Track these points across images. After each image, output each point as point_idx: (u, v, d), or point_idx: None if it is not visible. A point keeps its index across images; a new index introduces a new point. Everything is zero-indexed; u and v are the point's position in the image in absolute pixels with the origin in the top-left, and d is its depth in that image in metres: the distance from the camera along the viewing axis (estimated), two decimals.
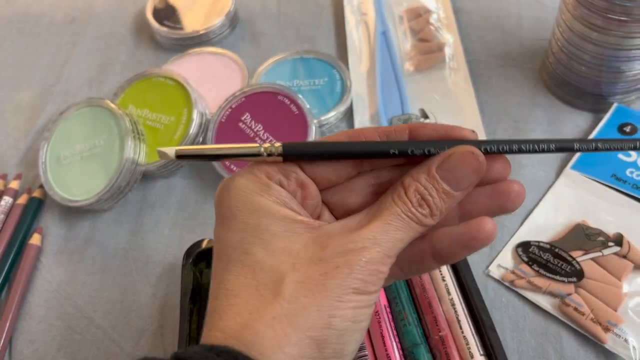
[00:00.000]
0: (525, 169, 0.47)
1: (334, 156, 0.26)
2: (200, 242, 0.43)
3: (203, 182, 0.50)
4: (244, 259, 0.23)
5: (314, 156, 0.26)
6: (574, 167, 0.46)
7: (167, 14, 0.59)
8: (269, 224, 0.24)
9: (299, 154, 0.26)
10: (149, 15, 0.59)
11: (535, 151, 0.26)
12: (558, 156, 0.47)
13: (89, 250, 0.47)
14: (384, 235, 0.23)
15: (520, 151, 0.26)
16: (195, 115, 0.48)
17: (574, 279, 0.40)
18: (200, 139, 0.49)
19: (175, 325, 0.41)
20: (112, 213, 0.48)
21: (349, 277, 0.22)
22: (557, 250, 0.42)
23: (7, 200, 0.49)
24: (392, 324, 0.38)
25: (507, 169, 0.26)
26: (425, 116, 0.50)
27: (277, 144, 0.26)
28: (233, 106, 0.49)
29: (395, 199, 0.24)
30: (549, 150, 0.26)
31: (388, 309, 0.39)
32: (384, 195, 0.25)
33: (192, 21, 0.58)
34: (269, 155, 0.26)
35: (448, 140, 0.26)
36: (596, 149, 0.25)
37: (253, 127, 0.48)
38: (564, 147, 0.26)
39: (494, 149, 0.26)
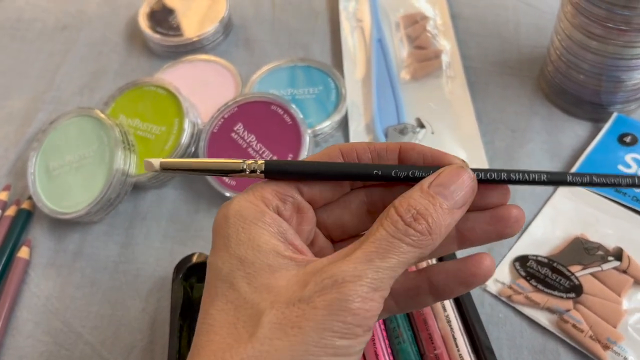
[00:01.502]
0: None
1: (315, 176, 0.26)
2: (190, 256, 0.43)
3: (195, 193, 0.49)
4: (229, 294, 0.22)
5: (295, 175, 0.26)
6: None
7: (160, 21, 0.58)
8: (257, 257, 0.22)
9: (280, 172, 0.25)
10: (142, 22, 0.58)
11: (526, 182, 0.25)
12: (556, 166, 0.47)
13: (79, 263, 0.46)
14: (367, 265, 0.21)
15: (509, 181, 0.25)
16: (187, 125, 0.47)
17: (573, 295, 0.39)
18: (192, 150, 0.48)
19: (165, 341, 0.40)
20: (102, 225, 0.48)
21: (327, 319, 0.20)
22: (555, 264, 0.41)
23: None
24: (386, 341, 0.37)
25: (506, 195, 0.25)
26: (422, 125, 0.49)
27: (260, 161, 0.25)
28: (225, 116, 0.48)
29: (383, 220, 0.22)
30: (540, 182, 0.25)
31: (382, 326, 0.38)
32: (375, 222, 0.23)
33: (186, 28, 0.57)
34: (252, 172, 0.26)
35: (435, 167, 0.25)
36: (590, 183, 0.24)
37: (246, 137, 0.47)
38: (557, 180, 0.25)
39: (482, 177, 0.25)
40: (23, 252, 0.46)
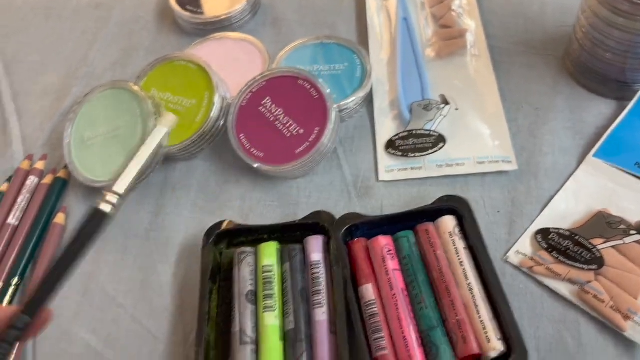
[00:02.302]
0: (546, 156, 0.46)
1: None
2: (220, 223, 0.44)
3: (224, 164, 0.50)
4: None
5: None
6: (596, 155, 0.45)
7: None
8: None
9: None
10: (172, 0, 0.60)
11: None
12: (579, 144, 0.47)
13: (111, 231, 0.47)
14: None
15: None
16: (217, 99, 0.49)
17: (594, 267, 0.40)
18: (221, 123, 0.50)
19: (194, 304, 0.42)
20: (134, 194, 0.49)
21: None
22: (577, 237, 0.41)
23: (33, 180, 0.50)
24: (409, 307, 0.39)
25: None
26: (446, 102, 0.50)
27: None
28: (254, 90, 0.49)
29: None
30: None
31: (405, 292, 0.39)
32: None
33: (214, 6, 0.59)
34: None
35: None
36: None
37: (273, 111, 0.48)
38: None
39: None
40: (59, 218, 0.48)
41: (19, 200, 0.49)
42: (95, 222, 0.32)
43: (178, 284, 0.44)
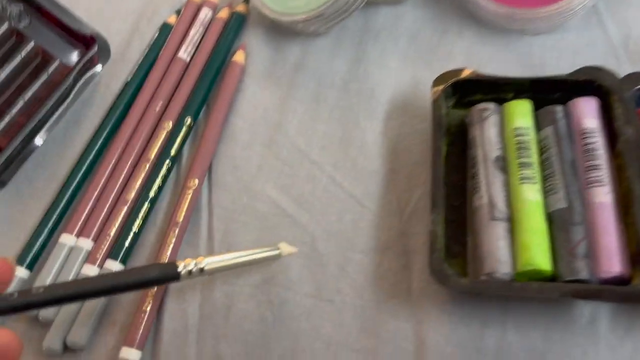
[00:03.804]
0: None
1: None
2: (457, 71, 0.34)
3: (441, 11, 0.39)
4: None
5: None
6: None
7: None
8: None
9: None
10: None
11: None
12: None
13: (300, 77, 0.38)
14: None
15: None
16: None
17: None
18: None
19: (409, 171, 0.33)
20: (326, 39, 0.40)
21: None
22: None
23: (207, 12, 0.41)
24: None
25: None
26: None
27: None
28: None
29: None
30: None
31: None
32: None
33: None
34: None
35: None
36: None
37: None
38: None
39: None
40: (238, 56, 0.39)
41: (191, 33, 0.40)
42: (162, 277, 0.27)
43: (388, 145, 0.35)
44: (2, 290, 0.23)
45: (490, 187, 0.30)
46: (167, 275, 0.27)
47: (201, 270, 0.28)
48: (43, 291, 0.23)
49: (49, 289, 0.24)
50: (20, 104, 0.37)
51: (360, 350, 0.29)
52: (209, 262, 0.29)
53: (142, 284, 0.27)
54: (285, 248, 0.31)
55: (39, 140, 0.36)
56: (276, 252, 0.31)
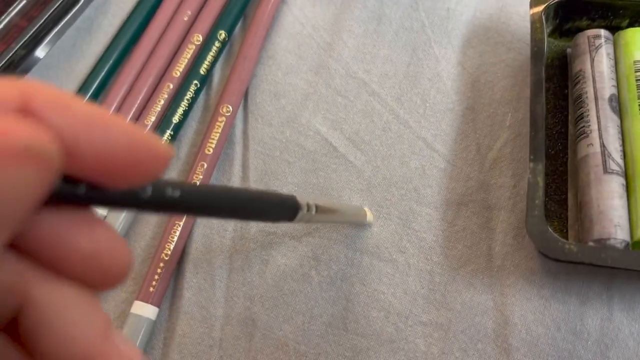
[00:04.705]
0: None
1: None
2: None
3: None
4: None
5: None
6: None
7: None
8: None
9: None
10: None
11: None
12: None
13: None
14: None
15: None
16: None
17: None
18: None
19: (491, 111, 0.27)
20: None
21: None
22: None
23: None
24: None
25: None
26: None
27: None
28: None
29: None
30: None
31: None
32: None
33: None
34: None
35: None
36: None
37: None
38: None
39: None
40: None
41: None
42: (283, 209, 0.18)
43: (467, 77, 0.29)
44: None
45: (603, 132, 0.24)
46: (290, 208, 0.19)
47: (316, 209, 0.20)
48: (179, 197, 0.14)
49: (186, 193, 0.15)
50: (22, 2, 0.30)
51: (427, 324, 0.24)
52: (316, 202, 0.21)
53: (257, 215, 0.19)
54: (368, 213, 0.25)
55: (41, 52, 0.30)
56: (367, 217, 0.25)
